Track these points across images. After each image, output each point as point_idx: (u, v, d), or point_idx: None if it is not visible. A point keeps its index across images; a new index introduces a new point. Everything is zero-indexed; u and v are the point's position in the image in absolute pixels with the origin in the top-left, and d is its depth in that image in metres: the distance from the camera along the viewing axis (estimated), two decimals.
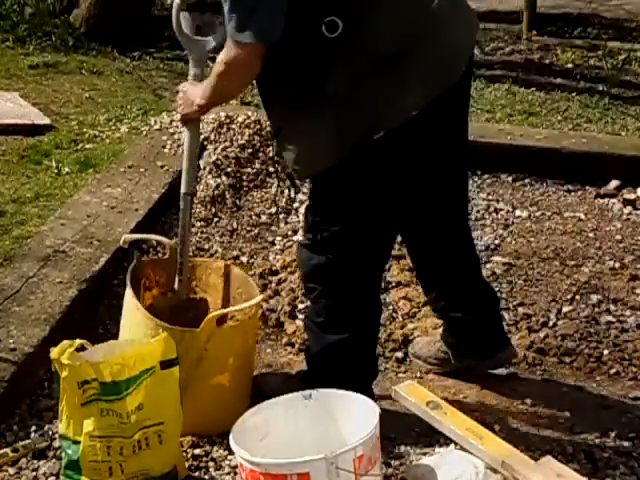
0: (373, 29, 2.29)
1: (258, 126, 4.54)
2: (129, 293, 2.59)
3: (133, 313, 2.56)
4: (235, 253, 3.69)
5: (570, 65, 6.36)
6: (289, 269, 3.51)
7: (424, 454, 2.51)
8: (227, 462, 2.49)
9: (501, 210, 4.13)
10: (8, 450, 2.48)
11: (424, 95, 2.35)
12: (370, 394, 2.53)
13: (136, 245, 3.44)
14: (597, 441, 2.62)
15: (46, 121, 4.85)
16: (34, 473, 2.43)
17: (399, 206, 2.54)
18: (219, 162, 4.25)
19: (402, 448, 2.55)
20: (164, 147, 4.40)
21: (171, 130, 4.59)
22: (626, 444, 2.61)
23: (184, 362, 2.39)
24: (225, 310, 2.63)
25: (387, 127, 2.32)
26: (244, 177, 4.26)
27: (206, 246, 3.72)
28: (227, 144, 4.39)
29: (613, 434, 2.65)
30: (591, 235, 3.95)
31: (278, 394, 2.41)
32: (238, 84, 2.46)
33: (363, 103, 2.32)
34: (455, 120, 2.56)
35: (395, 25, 2.31)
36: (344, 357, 2.60)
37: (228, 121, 4.56)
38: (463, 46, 2.48)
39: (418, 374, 2.98)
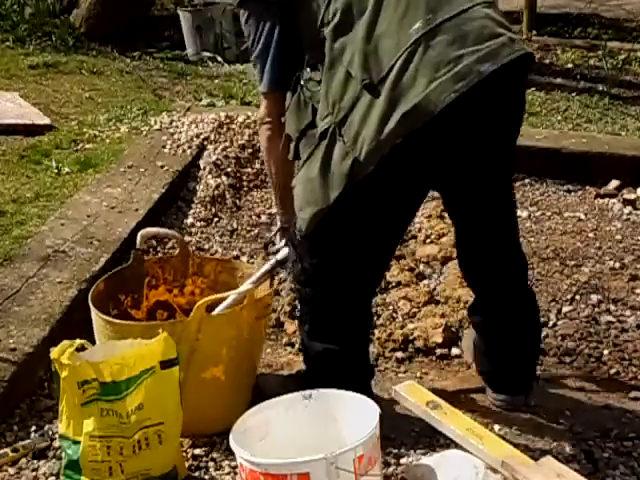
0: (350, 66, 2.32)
1: (258, 126, 4.54)
2: (94, 312, 2.57)
3: (104, 331, 2.55)
4: (235, 253, 3.69)
5: (570, 65, 6.37)
6: (289, 269, 3.51)
7: (424, 454, 2.51)
8: (227, 462, 2.49)
9: None
10: (8, 450, 2.48)
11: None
12: (368, 393, 2.53)
13: (134, 245, 3.47)
14: (597, 441, 2.62)
15: (46, 121, 4.86)
16: (34, 473, 2.43)
17: (394, 226, 2.49)
18: (219, 162, 4.26)
19: (402, 448, 2.55)
20: (164, 147, 4.40)
21: (171, 130, 4.59)
22: (626, 444, 2.60)
23: (178, 355, 2.38)
24: (212, 297, 2.59)
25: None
26: (244, 177, 4.27)
27: (206, 246, 3.73)
28: (227, 144, 4.40)
29: (613, 434, 2.65)
30: (591, 235, 3.95)
31: (278, 394, 2.41)
32: (266, 128, 2.77)
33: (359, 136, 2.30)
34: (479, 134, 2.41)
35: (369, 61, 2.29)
36: (333, 364, 2.59)
37: (228, 121, 4.57)
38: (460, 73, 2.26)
39: (418, 374, 2.98)
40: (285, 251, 2.71)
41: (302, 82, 2.43)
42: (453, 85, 2.23)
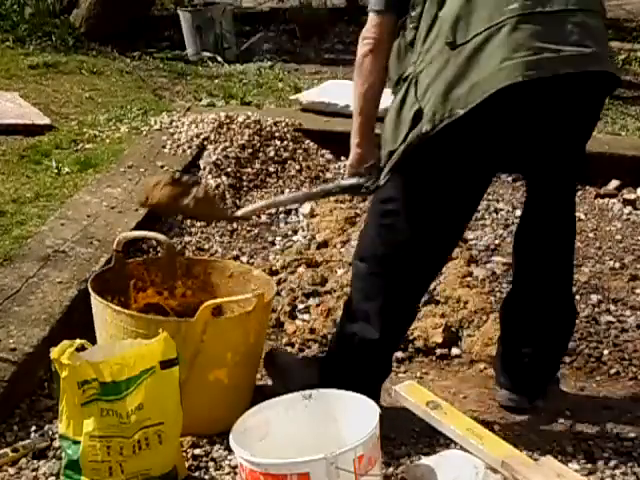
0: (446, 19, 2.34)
1: (258, 126, 4.55)
2: (99, 302, 2.54)
3: (113, 320, 2.52)
4: (235, 253, 3.69)
5: None
6: (289, 269, 3.51)
7: (424, 454, 2.51)
8: (227, 462, 2.49)
9: (501, 210, 4.13)
10: (8, 450, 2.47)
11: (505, 76, 2.28)
12: (377, 393, 2.55)
13: (134, 245, 3.45)
14: (597, 441, 2.62)
15: (46, 121, 4.86)
16: (34, 473, 2.43)
17: (455, 208, 2.48)
18: (219, 162, 4.26)
19: (402, 448, 2.55)
20: (164, 147, 4.41)
21: (171, 130, 4.59)
22: (626, 444, 2.60)
23: (181, 355, 2.38)
24: (219, 300, 2.59)
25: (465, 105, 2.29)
26: (244, 177, 4.27)
27: (206, 246, 3.72)
28: (227, 144, 4.40)
29: (613, 434, 2.65)
30: (591, 235, 3.95)
31: (288, 370, 2.42)
32: (364, 44, 2.54)
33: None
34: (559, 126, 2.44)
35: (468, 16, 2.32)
36: (362, 353, 2.58)
37: (228, 121, 4.57)
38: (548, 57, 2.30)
39: (418, 374, 2.98)
40: (353, 180, 2.65)
41: (405, 21, 2.44)
42: (523, 70, 2.26)
